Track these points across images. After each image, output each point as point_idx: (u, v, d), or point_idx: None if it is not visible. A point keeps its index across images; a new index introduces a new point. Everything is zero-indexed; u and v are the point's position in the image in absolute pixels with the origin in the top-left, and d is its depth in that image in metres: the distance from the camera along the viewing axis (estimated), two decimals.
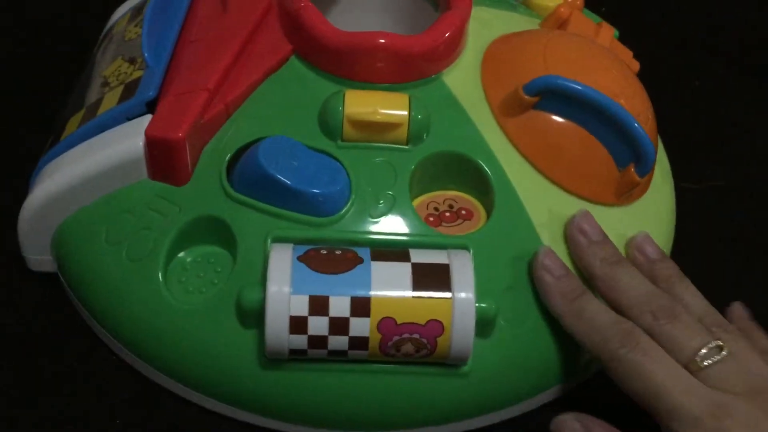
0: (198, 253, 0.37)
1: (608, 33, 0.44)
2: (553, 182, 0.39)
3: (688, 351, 0.33)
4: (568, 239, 0.37)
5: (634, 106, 0.39)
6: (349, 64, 0.38)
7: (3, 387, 0.38)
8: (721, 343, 0.33)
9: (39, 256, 0.41)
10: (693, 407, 0.31)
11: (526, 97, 0.38)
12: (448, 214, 0.38)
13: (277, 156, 0.35)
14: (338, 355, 0.34)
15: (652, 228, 0.40)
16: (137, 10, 0.47)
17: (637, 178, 0.38)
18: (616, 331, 0.34)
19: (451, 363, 0.35)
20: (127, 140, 0.37)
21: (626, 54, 0.45)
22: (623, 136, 0.38)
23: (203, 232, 0.37)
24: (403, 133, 0.37)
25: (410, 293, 0.33)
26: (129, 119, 0.38)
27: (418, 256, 0.34)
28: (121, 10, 0.49)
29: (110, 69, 0.43)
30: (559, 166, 0.38)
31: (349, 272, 0.33)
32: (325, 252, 0.34)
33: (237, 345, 0.35)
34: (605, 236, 0.37)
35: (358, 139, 0.37)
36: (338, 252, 0.34)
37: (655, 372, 0.32)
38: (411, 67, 0.38)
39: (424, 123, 0.37)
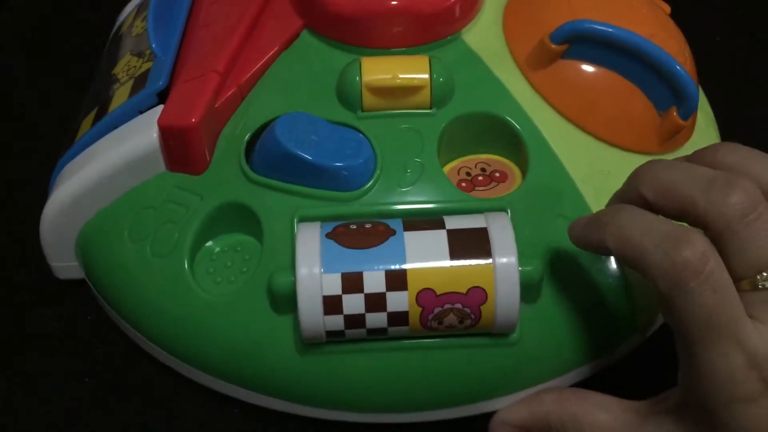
0: (225, 243, 0.36)
1: None
2: (590, 134, 0.36)
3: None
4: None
5: (670, 46, 0.36)
6: (363, 31, 0.36)
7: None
8: None
9: (65, 263, 0.40)
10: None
11: (553, 46, 0.35)
12: (480, 177, 0.36)
13: (296, 132, 0.34)
14: (378, 333, 0.32)
15: None
16: (143, 5, 0.45)
17: (681, 122, 0.36)
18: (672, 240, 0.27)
19: (498, 332, 0.33)
20: (141, 134, 0.36)
21: None
22: (661, 78, 0.35)
23: (228, 220, 0.35)
24: (426, 96, 0.35)
25: (448, 262, 0.31)
26: (141, 112, 0.37)
27: (454, 223, 0.32)
28: (128, 9, 0.48)
29: (119, 66, 0.41)
30: (594, 117, 0.36)
31: (382, 245, 0.31)
32: (354, 227, 0.32)
33: (272, 333, 0.33)
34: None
35: (380, 108, 0.35)
36: (368, 226, 0.32)
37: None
38: (427, 29, 0.36)
39: (448, 84, 0.35)
